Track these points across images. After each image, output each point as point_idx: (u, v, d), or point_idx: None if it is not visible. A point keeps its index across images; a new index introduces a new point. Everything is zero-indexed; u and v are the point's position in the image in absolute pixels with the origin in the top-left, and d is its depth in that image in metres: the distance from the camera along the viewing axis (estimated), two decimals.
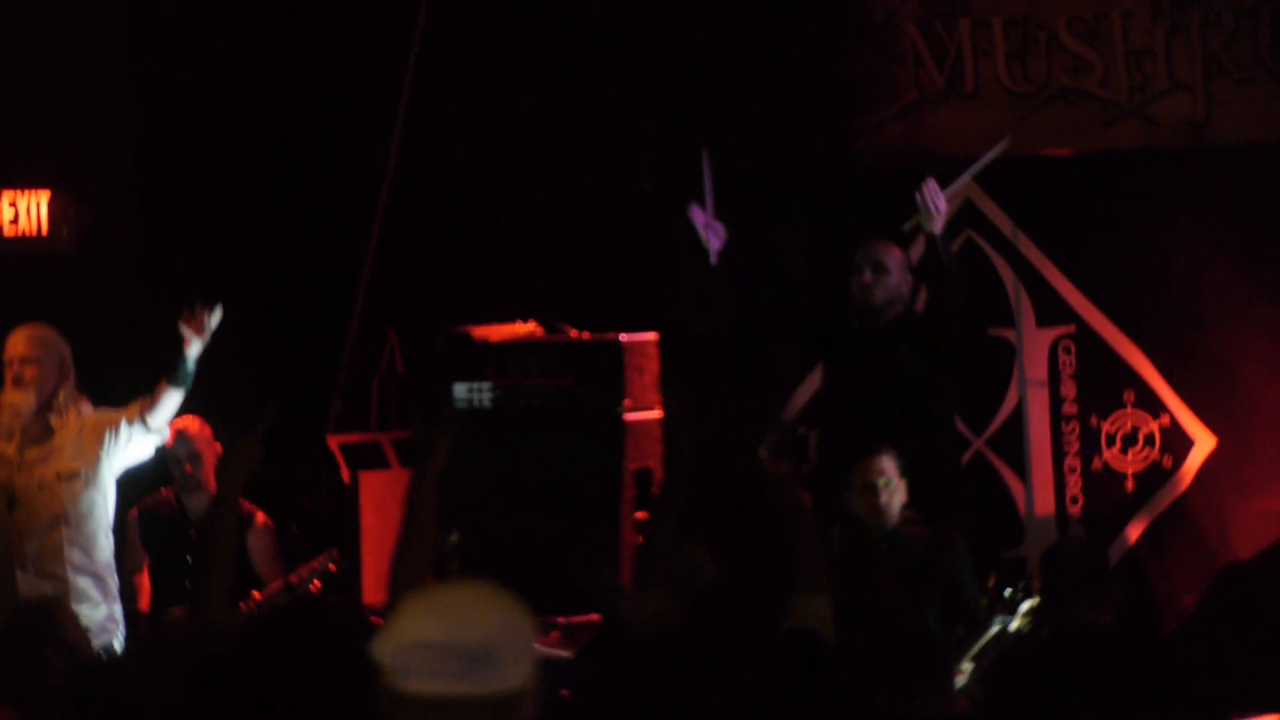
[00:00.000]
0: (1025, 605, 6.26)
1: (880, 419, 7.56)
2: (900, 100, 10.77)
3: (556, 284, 9.89)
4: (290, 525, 9.12)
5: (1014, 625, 6.32)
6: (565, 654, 7.33)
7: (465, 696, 2.82)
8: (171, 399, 7.22)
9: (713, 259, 7.97)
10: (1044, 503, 8.45)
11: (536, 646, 2.92)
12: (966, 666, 6.16)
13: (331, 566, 7.86)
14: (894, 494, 7.06)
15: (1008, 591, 6.32)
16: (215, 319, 7.15)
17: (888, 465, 7.08)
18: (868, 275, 7.79)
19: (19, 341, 7.35)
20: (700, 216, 8.01)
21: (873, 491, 7.07)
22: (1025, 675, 6.16)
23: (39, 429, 7.31)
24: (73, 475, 7.29)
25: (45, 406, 7.32)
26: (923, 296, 8.48)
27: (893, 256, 7.85)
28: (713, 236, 7.95)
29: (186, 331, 7.11)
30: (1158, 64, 10.36)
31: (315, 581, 7.91)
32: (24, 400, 7.29)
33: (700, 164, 8.09)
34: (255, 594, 7.75)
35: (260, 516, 8.29)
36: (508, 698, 2.84)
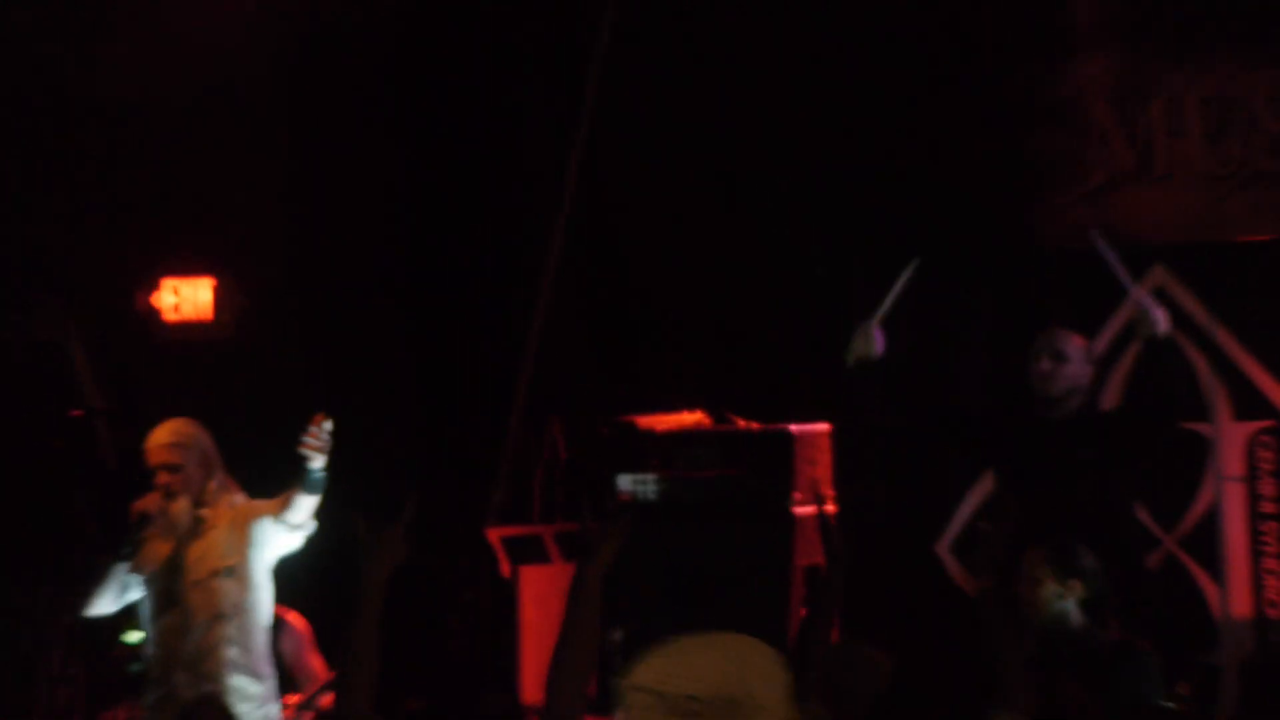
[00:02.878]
0: None
1: (1056, 520, 7.39)
2: (1089, 181, 10.68)
3: (725, 373, 9.86)
4: (450, 619, 9.13)
5: None
6: None
7: None
8: (306, 502, 7.25)
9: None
10: (1241, 605, 8.26)
11: (775, 708, 2.87)
12: None
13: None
14: (1056, 606, 6.87)
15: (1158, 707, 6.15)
16: (328, 429, 7.16)
17: (1048, 576, 6.89)
18: (1046, 364, 7.65)
19: (158, 449, 7.32)
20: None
21: (1039, 603, 6.89)
22: None
23: (192, 525, 7.35)
24: (228, 571, 7.33)
25: (196, 503, 7.37)
26: (1107, 392, 8.37)
27: (1073, 345, 7.71)
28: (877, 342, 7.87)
29: (306, 451, 7.12)
30: None
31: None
32: (178, 507, 7.35)
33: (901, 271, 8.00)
34: (288, 698, 7.74)
35: (291, 617, 8.34)
36: None
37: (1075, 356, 7.66)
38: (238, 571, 7.32)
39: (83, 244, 10.12)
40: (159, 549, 7.33)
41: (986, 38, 10.58)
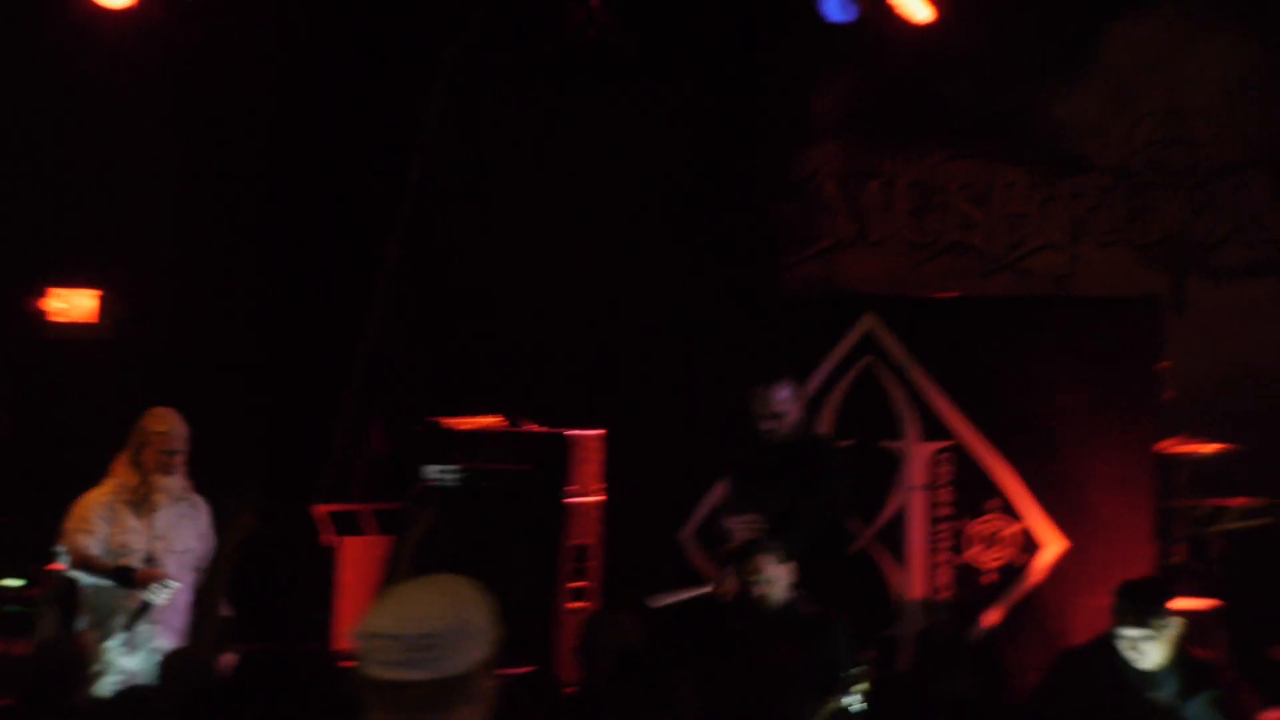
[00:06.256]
0: (860, 685, 6.20)
1: (777, 519, 7.48)
2: (819, 244, 10.85)
3: (522, 387, 9.86)
4: (279, 580, 9.00)
5: (850, 702, 6.24)
6: (504, 700, 7.22)
7: (412, 681, 2.72)
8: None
9: None
10: (917, 589, 8.42)
11: (488, 631, 2.76)
12: None
13: None
14: (772, 586, 6.96)
15: (848, 673, 6.23)
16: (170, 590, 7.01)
17: (763, 563, 6.98)
18: (768, 424, 7.71)
19: (180, 434, 7.10)
20: None
21: (752, 586, 7.01)
22: None
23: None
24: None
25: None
26: (823, 415, 8.49)
27: (784, 401, 7.71)
28: None
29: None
30: (1032, 225, 10.48)
31: None
32: (176, 484, 7.12)
33: None
34: None
35: None
36: (454, 681, 2.72)
37: (789, 409, 7.68)
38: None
39: None
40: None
41: (743, 128, 10.72)
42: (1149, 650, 5.71)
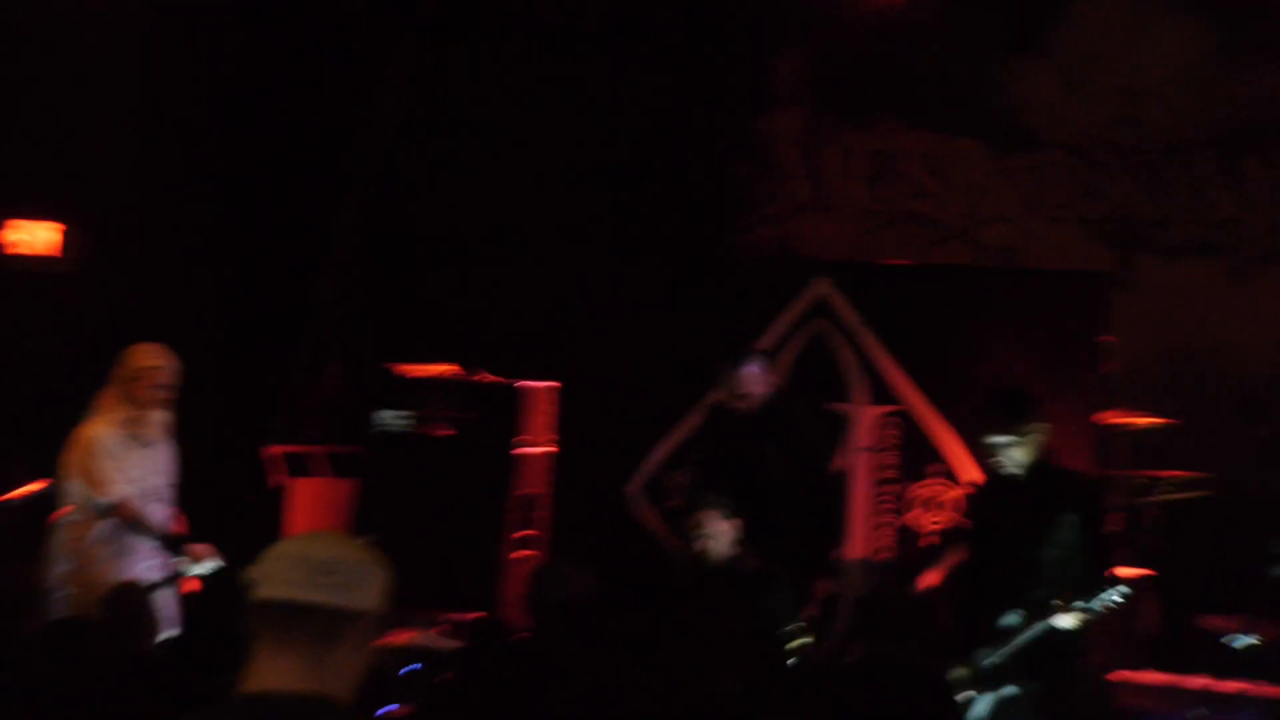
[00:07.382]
0: (799, 642, 6.26)
1: (732, 485, 7.47)
2: (773, 207, 10.85)
3: (480, 338, 9.82)
4: (227, 519, 8.96)
5: (789, 658, 6.30)
6: (451, 645, 7.25)
7: (308, 604, 2.70)
8: None
9: None
10: (859, 550, 8.47)
11: (383, 586, 2.78)
12: None
13: None
14: (714, 541, 6.98)
15: (787, 630, 6.28)
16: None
17: (706, 519, 6.99)
18: (741, 404, 7.66)
19: (169, 369, 6.95)
20: None
21: (695, 541, 7.02)
22: (832, 693, 6.14)
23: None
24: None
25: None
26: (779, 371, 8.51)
27: (752, 381, 7.64)
28: None
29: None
30: (985, 197, 10.51)
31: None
32: (166, 418, 7.00)
33: None
34: None
35: None
36: (346, 615, 2.72)
37: (756, 389, 7.61)
38: None
39: None
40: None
41: (705, 91, 10.69)
42: (1010, 455, 5.92)
